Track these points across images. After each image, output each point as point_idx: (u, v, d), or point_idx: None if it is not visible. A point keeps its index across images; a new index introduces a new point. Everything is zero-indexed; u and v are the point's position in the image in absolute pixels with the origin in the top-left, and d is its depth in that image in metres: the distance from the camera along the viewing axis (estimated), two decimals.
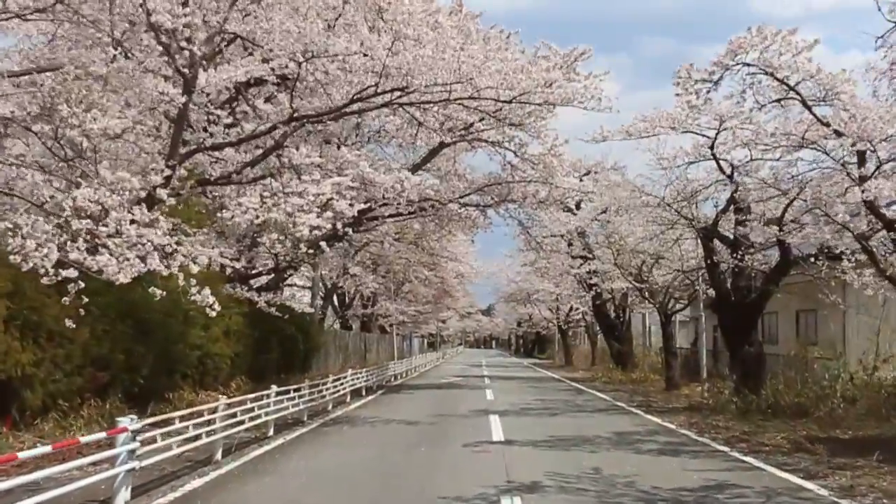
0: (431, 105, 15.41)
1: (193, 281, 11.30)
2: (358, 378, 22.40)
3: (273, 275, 23.37)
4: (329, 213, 18.07)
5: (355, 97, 13.68)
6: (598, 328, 44.38)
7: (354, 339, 42.65)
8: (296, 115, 13.64)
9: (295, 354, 26.69)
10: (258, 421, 12.42)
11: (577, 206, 28.53)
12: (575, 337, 57.49)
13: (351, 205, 17.86)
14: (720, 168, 16.77)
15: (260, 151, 16.59)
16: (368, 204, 20.42)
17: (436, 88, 13.70)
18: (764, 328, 26.99)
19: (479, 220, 24.66)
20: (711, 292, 22.60)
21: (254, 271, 22.92)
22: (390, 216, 24.62)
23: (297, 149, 18.22)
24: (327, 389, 17.35)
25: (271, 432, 12.79)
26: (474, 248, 44.58)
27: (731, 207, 17.49)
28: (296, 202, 17.24)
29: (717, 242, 18.58)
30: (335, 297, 43.18)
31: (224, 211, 17.94)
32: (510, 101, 14.69)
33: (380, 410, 17.78)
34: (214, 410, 10.43)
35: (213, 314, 11.57)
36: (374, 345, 48.86)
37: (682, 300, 25.36)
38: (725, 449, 11.58)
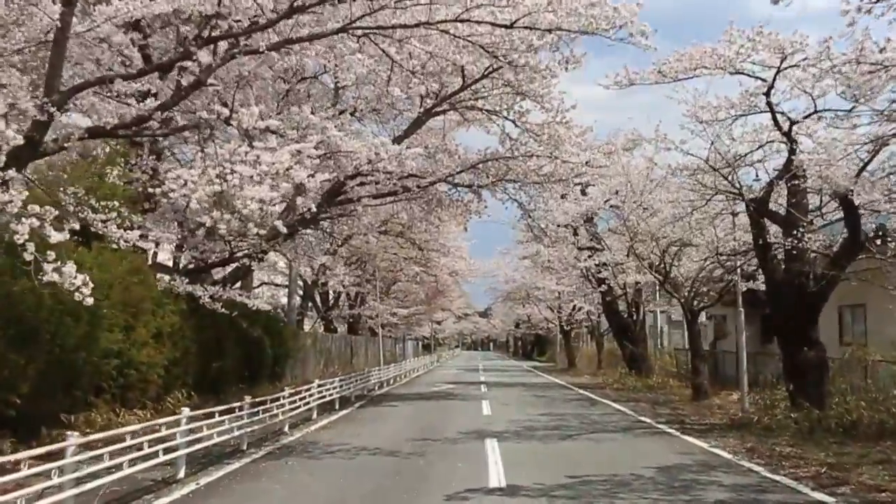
0: (407, 37, 11.85)
1: (51, 255, 7.77)
2: (329, 388, 18.81)
3: (228, 267, 19.78)
4: (286, 185, 14.70)
5: (294, 3, 10.09)
6: (604, 328, 40.84)
7: (339, 342, 39.03)
8: (212, 33, 10.03)
9: (261, 361, 23.12)
10: (174, 454, 8.90)
11: (584, 192, 25.19)
12: (577, 338, 53.92)
13: (312, 175, 14.60)
14: (776, 122, 13.24)
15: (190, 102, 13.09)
16: (336, 175, 16.90)
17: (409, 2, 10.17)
18: None
19: (473, 205, 21.09)
20: (748, 284, 19.13)
21: (208, 261, 19.40)
22: (368, 198, 21.09)
23: (247, 108, 14.84)
24: (280, 407, 13.72)
25: (181, 473, 9.19)
26: (469, 243, 41.00)
27: (785, 176, 13.94)
28: (244, 172, 13.96)
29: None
30: (318, 297, 39.58)
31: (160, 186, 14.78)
32: (510, 26, 11.13)
33: (348, 432, 14.19)
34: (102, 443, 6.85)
35: (89, 300, 8.03)
36: (362, 348, 45.20)
37: (711, 293, 21.81)
38: (826, 499, 8.02)
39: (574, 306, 43.95)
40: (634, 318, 27.54)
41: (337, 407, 19.06)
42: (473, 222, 76.52)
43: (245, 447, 11.60)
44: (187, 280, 16.48)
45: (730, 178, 14.13)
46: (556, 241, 27.56)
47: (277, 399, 14.01)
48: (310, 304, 40.71)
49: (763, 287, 17.64)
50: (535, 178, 19.43)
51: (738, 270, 17.39)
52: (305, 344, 30.46)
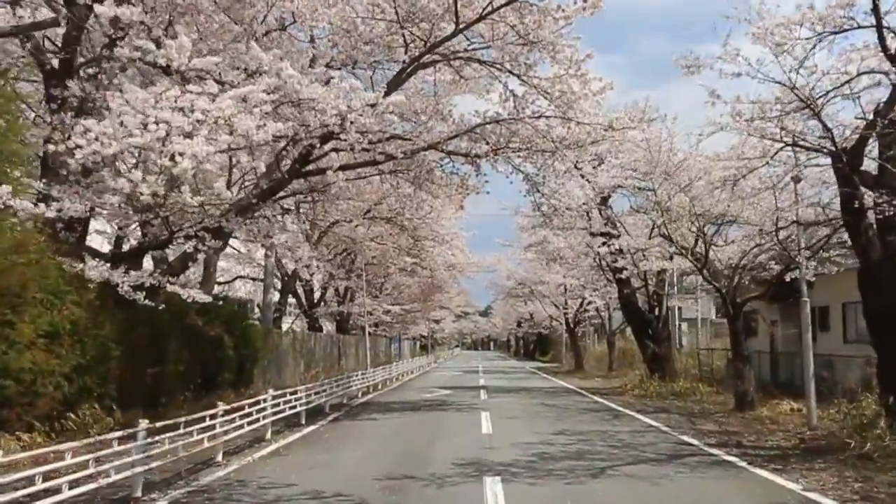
0: None
1: None
2: (294, 398, 15.26)
3: (158, 249, 16.30)
4: (226, 137, 11.31)
5: None
6: (616, 325, 37.30)
7: (324, 342, 35.47)
8: None
9: (221, 365, 19.65)
10: None
11: (601, 162, 21.74)
12: (583, 337, 50.35)
13: (262, 125, 11.42)
14: (882, 45, 9.71)
15: None
16: (294, 130, 13.39)
17: None
18: (845, 324, 20.02)
19: (471, 178, 17.56)
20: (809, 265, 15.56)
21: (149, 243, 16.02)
22: (344, 169, 17.59)
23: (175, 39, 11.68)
24: (209, 430, 10.14)
25: None
26: (468, 234, 37.38)
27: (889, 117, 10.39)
28: (173, 121, 10.59)
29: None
30: (302, 293, 36.02)
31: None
32: None
33: (303, 462, 10.61)
34: None
35: None
36: (352, 349, 41.58)
37: (751, 284, 18.30)
38: None
39: (582, 302, 40.44)
40: (656, 312, 23.99)
41: (303, 421, 15.52)
42: (471, 215, 73.00)
43: (139, 493, 8.05)
44: (108, 265, 12.96)
45: (809, 121, 10.58)
46: (566, 226, 24.08)
47: (212, 416, 10.44)
48: (293, 300, 37.16)
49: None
50: (545, 144, 15.92)
51: (802, 250, 13.81)
52: (281, 344, 26.93)
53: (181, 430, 9.30)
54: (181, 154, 10.64)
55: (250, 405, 12.10)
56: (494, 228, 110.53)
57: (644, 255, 22.39)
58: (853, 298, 19.44)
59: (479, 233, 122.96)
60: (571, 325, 42.60)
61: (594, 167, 20.92)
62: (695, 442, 12.41)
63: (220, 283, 33.99)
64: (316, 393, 17.33)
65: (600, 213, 23.93)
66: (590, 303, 40.01)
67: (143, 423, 8.26)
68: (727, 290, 16.95)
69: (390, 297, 46.85)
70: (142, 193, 11.11)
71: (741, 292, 17.31)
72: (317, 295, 37.70)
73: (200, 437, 9.86)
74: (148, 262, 19.09)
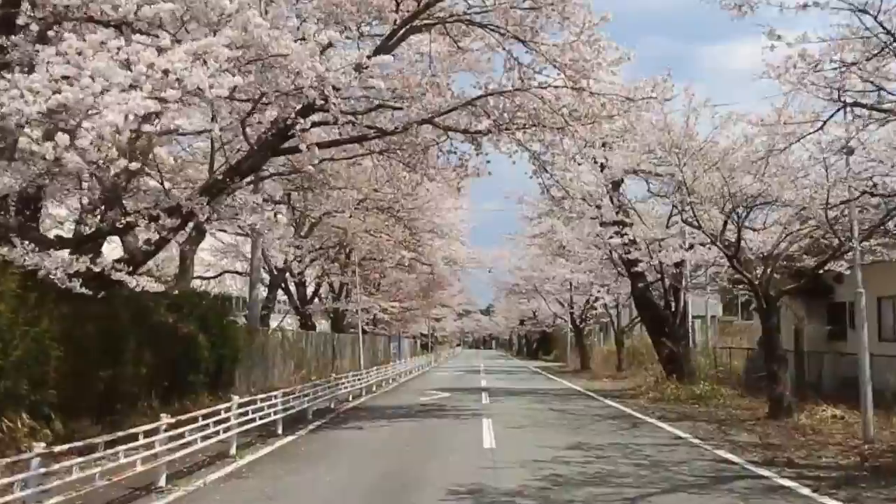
0: None
1: None
2: (269, 405, 13.32)
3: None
4: (173, 92, 9.24)
5: None
6: (625, 323, 35.34)
7: (318, 341, 33.50)
8: None
9: (194, 366, 17.68)
10: None
11: (609, 147, 19.83)
12: (589, 335, 48.37)
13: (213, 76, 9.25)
14: None
15: None
16: (262, 93, 11.52)
17: None
18: (880, 320, 18.12)
19: (471, 159, 15.68)
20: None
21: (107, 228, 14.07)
22: (327, 145, 15.85)
23: None
24: (146, 449, 8.18)
25: None
26: (467, 225, 35.40)
27: None
28: (110, 76, 8.62)
29: None
30: (293, 288, 34.09)
31: None
32: None
33: (263, 490, 8.64)
34: None
35: None
36: (349, 348, 39.60)
37: (789, 273, 16.33)
38: None
39: (589, 299, 38.46)
40: (673, 308, 22.02)
41: (280, 431, 13.58)
42: (472, 211, 71.16)
43: None
44: (37, 249, 11.02)
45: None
46: (575, 215, 22.17)
47: (134, 437, 8.49)
48: (285, 297, 35.24)
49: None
50: (553, 119, 14.02)
51: (856, 233, 11.84)
52: (268, 344, 24.99)
53: (110, 450, 7.37)
54: (110, 108, 8.69)
55: (205, 416, 10.13)
56: (496, 226, 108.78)
57: (660, 246, 20.45)
58: (889, 292, 17.58)
59: (480, 229, 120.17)
60: (577, 323, 40.65)
61: (606, 148, 19.00)
62: (736, 459, 10.45)
63: (205, 279, 32.11)
64: (297, 397, 15.39)
65: (612, 201, 22.00)
66: (597, 299, 38.06)
67: (38, 447, 6.31)
68: (760, 281, 14.98)
69: (388, 294, 45.03)
70: (63, 163, 9.20)
71: (772, 285, 15.34)
72: (309, 291, 35.78)
73: (133, 457, 7.92)
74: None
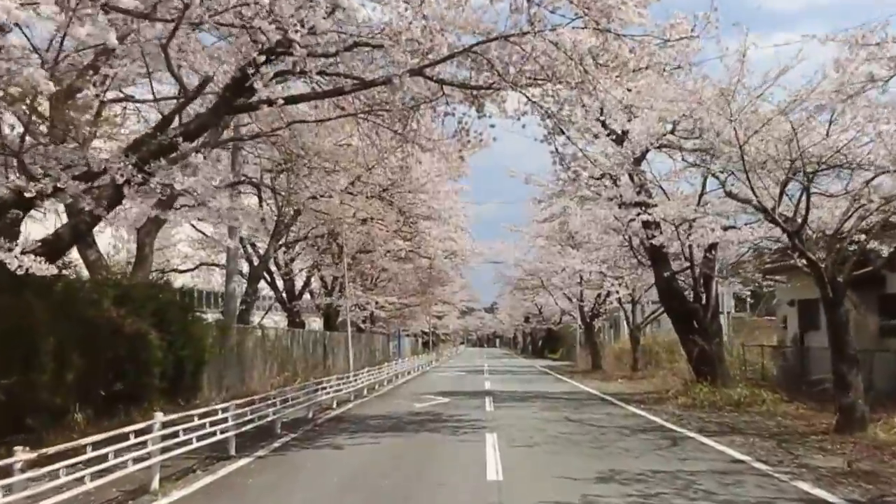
0: None
1: None
2: (212, 421, 10.55)
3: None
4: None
5: None
6: (640, 318, 32.53)
7: (306, 339, 30.76)
8: None
9: (148, 370, 15.09)
10: None
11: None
12: (598, 333, 45.51)
13: None
14: None
15: None
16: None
17: None
18: None
19: (471, 123, 12.88)
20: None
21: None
22: (294, 101, 13.20)
23: None
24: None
25: None
26: (468, 214, 32.55)
27: None
28: None
29: None
30: (281, 283, 31.36)
31: None
32: None
33: None
34: None
35: None
36: (342, 347, 36.81)
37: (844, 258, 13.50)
38: None
39: (601, 293, 35.65)
40: (703, 301, 19.20)
41: (232, 452, 10.83)
42: (474, 205, 68.01)
43: None
44: None
45: None
46: (591, 193, 19.40)
47: None
48: (272, 293, 32.50)
49: None
50: (570, 71, 11.23)
51: None
52: (245, 343, 22.28)
53: None
54: None
55: (95, 445, 7.33)
56: (501, 211, 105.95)
57: (691, 227, 17.67)
58: None
59: (481, 228, 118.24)
60: (588, 320, 37.87)
61: (630, 115, 16.27)
62: (831, 499, 7.66)
63: (181, 272, 29.42)
64: (262, 407, 12.61)
65: (632, 179, 19.22)
66: (608, 294, 35.25)
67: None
68: (826, 264, 12.16)
69: (386, 290, 42.37)
70: None
71: (845, 267, 12.50)
72: (299, 285, 33.05)
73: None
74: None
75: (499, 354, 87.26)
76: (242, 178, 22.62)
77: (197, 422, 9.77)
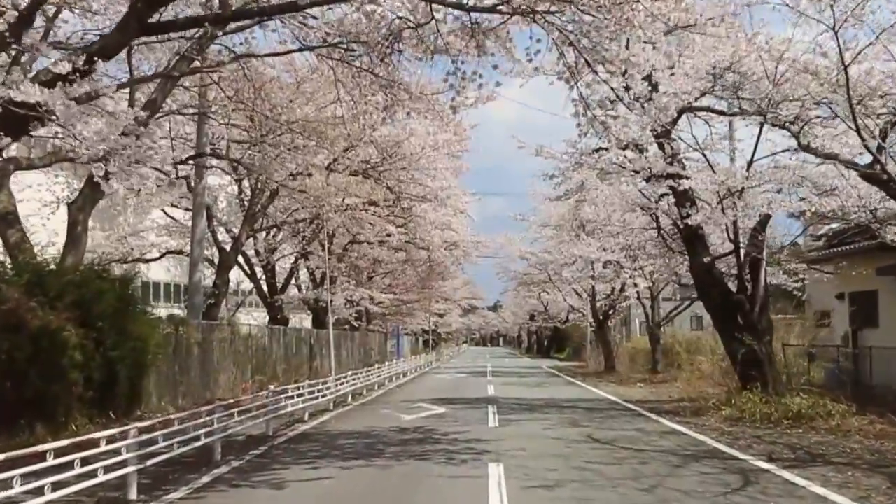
0: None
1: None
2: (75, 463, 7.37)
3: None
4: None
5: None
6: (663, 317, 29.31)
7: (289, 338, 27.58)
8: None
9: (62, 374, 12.04)
10: None
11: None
12: (610, 330, 42.19)
13: None
14: None
15: None
16: None
17: None
18: None
19: (468, 65, 9.66)
20: None
21: None
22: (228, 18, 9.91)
23: None
24: None
25: None
26: (470, 199, 29.29)
27: None
28: None
29: None
30: (262, 275, 28.17)
31: None
32: None
33: None
34: None
35: None
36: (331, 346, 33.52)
37: None
38: None
39: (614, 288, 32.42)
40: (750, 291, 15.98)
41: (132, 496, 7.67)
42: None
43: None
44: None
45: None
46: (616, 160, 16.24)
47: None
48: (243, 285, 29.32)
49: None
50: None
51: None
52: (208, 342, 19.11)
53: None
54: None
55: None
56: (501, 222, 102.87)
57: (739, 198, 14.47)
58: None
59: (483, 224, 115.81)
60: (600, 317, 34.64)
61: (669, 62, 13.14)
62: None
63: (146, 261, 26.31)
64: (128, 452, 9.44)
65: (662, 148, 16.05)
66: (623, 287, 32.08)
67: None
68: None
69: (381, 285, 39.24)
70: None
71: None
72: (285, 278, 29.85)
73: None
74: None
75: (502, 354, 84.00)
76: (207, 150, 19.44)
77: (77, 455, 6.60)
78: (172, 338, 16.76)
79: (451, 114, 12.82)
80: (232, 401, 13.48)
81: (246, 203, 22.04)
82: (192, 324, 18.49)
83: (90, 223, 28.01)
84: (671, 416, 15.34)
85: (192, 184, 19.66)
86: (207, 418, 10.24)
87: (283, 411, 14.08)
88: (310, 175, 19.59)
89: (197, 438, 9.72)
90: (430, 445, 11.39)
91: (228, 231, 24.38)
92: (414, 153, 21.04)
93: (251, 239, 27.03)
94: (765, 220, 15.32)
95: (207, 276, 22.73)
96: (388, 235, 27.81)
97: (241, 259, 27.03)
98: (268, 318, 28.58)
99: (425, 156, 20.93)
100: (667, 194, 16.80)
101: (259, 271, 28.08)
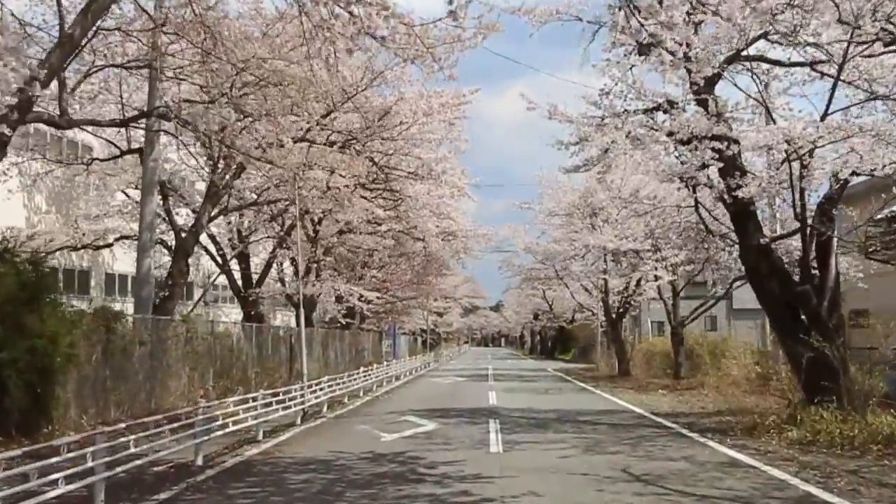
0: None
1: None
2: None
3: None
4: None
5: None
6: (688, 315, 26.11)
7: (263, 337, 24.37)
8: None
9: None
10: None
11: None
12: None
13: None
14: None
15: None
16: None
17: None
18: None
19: None
20: None
21: None
22: None
23: None
24: None
25: None
26: (469, 180, 25.99)
27: None
28: None
29: None
30: (234, 265, 25.00)
31: None
32: None
33: None
34: None
35: None
36: (318, 346, 30.46)
37: None
38: None
39: (629, 283, 29.25)
40: (817, 280, 12.76)
41: None
42: (479, 198, 61.66)
43: None
44: None
45: None
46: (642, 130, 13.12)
47: None
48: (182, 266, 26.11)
49: None
50: None
51: None
52: (158, 341, 15.94)
53: None
54: None
55: None
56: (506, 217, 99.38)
57: (810, 157, 11.28)
58: None
59: (484, 219, 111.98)
60: (613, 315, 31.41)
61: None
62: None
63: (97, 248, 23.13)
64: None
65: (704, 107, 12.93)
66: (639, 282, 28.90)
67: None
68: None
69: (376, 280, 36.13)
70: None
71: None
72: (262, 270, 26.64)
73: None
74: None
75: (505, 355, 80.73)
76: (158, 109, 16.25)
77: None
78: (103, 336, 13.63)
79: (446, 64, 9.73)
80: (170, 414, 10.43)
81: (207, 178, 18.86)
82: (134, 319, 15.38)
83: (43, 206, 25.02)
84: (720, 437, 12.13)
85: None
86: (104, 445, 7.14)
87: (226, 429, 10.90)
88: (281, 145, 16.37)
89: (91, 471, 6.68)
90: (409, 487, 8.19)
91: (195, 213, 21.19)
92: (404, 121, 17.87)
93: (228, 224, 23.97)
94: (841, 189, 12.13)
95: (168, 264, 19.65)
96: (378, 224, 24.68)
97: (212, 247, 23.91)
98: (242, 315, 25.40)
99: (417, 123, 17.74)
100: (707, 166, 13.60)
101: (235, 262, 24.94)
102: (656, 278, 24.32)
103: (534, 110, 15.09)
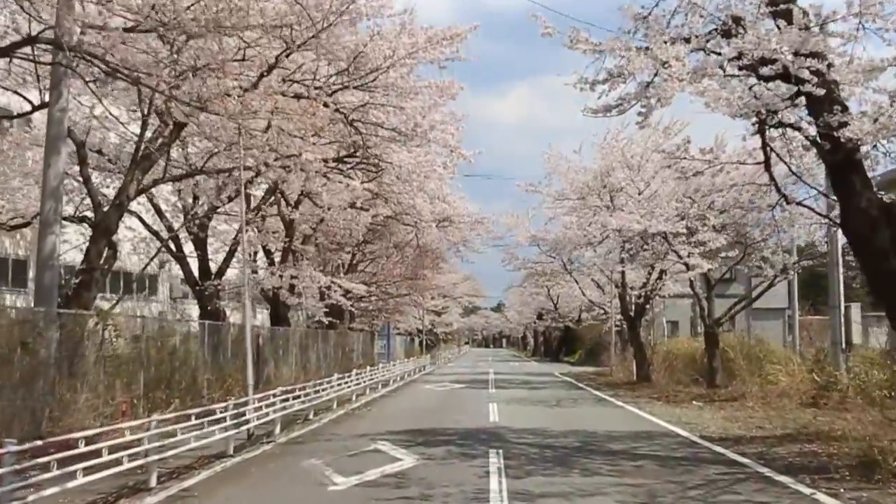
0: None
1: None
2: None
3: None
4: None
5: None
6: (721, 314, 22.26)
7: (221, 338, 20.41)
8: None
9: None
10: None
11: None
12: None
13: None
14: None
15: None
16: None
17: None
18: None
19: None
20: None
21: None
22: None
23: None
24: None
25: None
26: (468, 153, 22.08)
27: None
28: None
29: None
30: (192, 248, 21.06)
31: None
32: None
33: None
34: None
35: None
36: (294, 349, 26.53)
37: None
38: None
39: (651, 273, 25.36)
40: None
41: None
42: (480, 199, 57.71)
43: None
44: None
45: None
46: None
47: None
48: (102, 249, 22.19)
49: None
50: None
51: None
52: (72, 342, 12.02)
53: None
54: None
55: None
56: (509, 208, 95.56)
57: None
58: None
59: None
60: (631, 313, 27.52)
61: None
62: None
63: (13, 228, 19.20)
64: None
65: (788, 19, 9.13)
66: (660, 275, 25.07)
67: None
68: None
69: (365, 275, 32.40)
70: None
71: None
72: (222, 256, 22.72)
73: None
74: None
75: (506, 357, 76.76)
76: (45, 33, 12.33)
77: None
78: None
79: None
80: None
81: (133, 138, 15.00)
82: (8, 313, 11.55)
83: None
84: (825, 483, 8.26)
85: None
86: None
87: (119, 467, 7.04)
88: (227, 95, 12.45)
89: None
90: None
91: (137, 185, 17.25)
92: (380, 66, 13.99)
93: (177, 201, 20.16)
94: None
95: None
96: (364, 209, 20.89)
97: (163, 230, 20.01)
98: (199, 311, 21.52)
99: (399, 65, 13.86)
100: (797, 95, 9.74)
101: (190, 247, 21.07)
102: (688, 268, 20.39)
103: (549, 37, 11.31)
